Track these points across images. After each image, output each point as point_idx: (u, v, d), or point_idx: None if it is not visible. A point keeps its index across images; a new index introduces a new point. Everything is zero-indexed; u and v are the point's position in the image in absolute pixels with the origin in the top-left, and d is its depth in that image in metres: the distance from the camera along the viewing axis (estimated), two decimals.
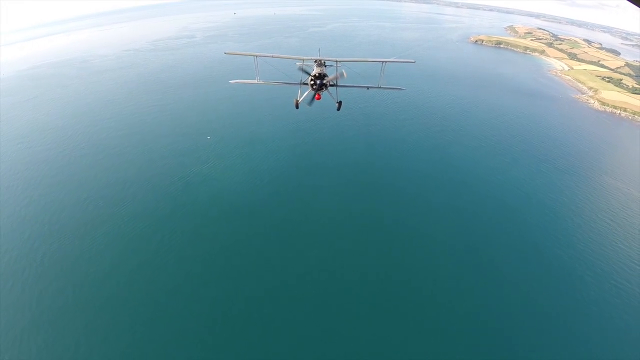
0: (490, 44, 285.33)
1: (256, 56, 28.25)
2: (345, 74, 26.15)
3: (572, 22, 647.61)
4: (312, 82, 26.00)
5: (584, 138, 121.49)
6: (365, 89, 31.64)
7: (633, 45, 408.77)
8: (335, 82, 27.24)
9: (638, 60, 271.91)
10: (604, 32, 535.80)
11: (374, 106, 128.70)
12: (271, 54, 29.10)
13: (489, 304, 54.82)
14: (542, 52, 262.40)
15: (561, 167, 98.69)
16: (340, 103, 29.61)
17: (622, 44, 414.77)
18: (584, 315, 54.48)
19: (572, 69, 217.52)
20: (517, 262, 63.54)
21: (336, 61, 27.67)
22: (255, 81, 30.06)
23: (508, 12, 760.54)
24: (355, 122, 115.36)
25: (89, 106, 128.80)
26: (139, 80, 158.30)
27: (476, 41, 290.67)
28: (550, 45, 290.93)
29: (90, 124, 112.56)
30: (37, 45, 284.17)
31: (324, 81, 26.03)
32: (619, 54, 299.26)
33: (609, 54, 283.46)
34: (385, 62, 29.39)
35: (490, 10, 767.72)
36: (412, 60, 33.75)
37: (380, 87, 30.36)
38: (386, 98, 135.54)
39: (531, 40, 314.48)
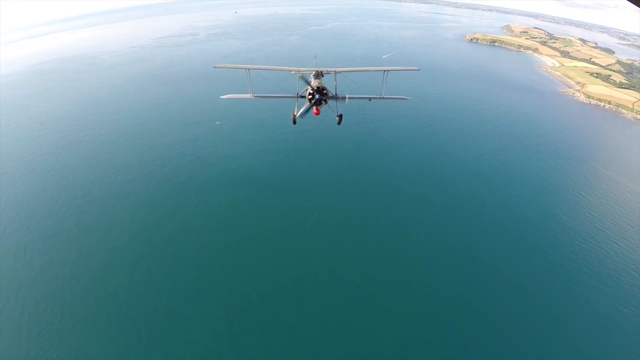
0: (485, 42, 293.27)
1: (248, 69, 26.76)
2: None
3: (571, 23, 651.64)
4: (310, 96, 24.67)
5: (567, 127, 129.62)
6: (367, 100, 30.00)
7: (629, 45, 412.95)
8: (335, 95, 26.17)
9: (631, 58, 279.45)
10: (602, 32, 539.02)
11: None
12: (265, 67, 28.02)
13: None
14: (535, 50, 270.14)
15: (545, 152, 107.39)
16: (340, 117, 28.05)
17: (618, 43, 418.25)
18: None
19: (563, 65, 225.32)
20: (505, 241, 68.12)
21: (335, 72, 25.80)
22: (249, 96, 28.15)
23: (507, 12, 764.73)
24: (352, 114, 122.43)
25: (103, 97, 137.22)
26: (147, 74, 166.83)
27: (471, 39, 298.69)
28: (544, 43, 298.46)
29: (106, 113, 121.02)
30: (42, 43, 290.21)
31: (323, 95, 24.54)
32: (613, 52, 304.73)
33: (602, 52, 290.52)
34: (388, 70, 27.60)
35: (490, 10, 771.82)
36: (417, 68, 31.76)
37: (382, 98, 28.65)
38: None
39: (526, 38, 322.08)
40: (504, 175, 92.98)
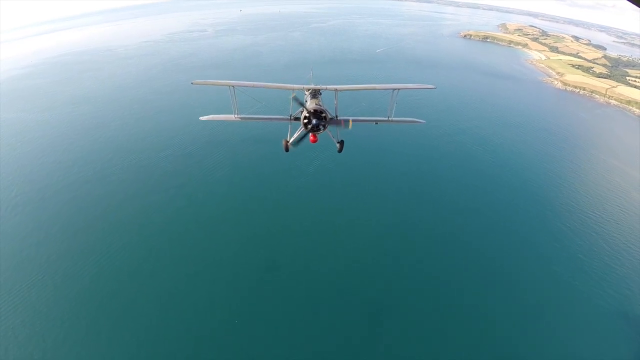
0: (477, 39, 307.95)
1: (233, 86, 23.51)
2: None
3: (570, 22, 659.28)
4: (306, 121, 21.10)
5: (541, 107, 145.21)
6: (374, 123, 25.59)
7: (625, 43, 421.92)
8: (335, 117, 22.45)
9: (620, 54, 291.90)
10: (601, 31, 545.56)
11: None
12: (252, 83, 24.18)
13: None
14: (525, 45, 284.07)
15: (517, 124, 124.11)
16: (342, 143, 24.38)
17: (614, 41, 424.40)
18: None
19: (548, 58, 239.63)
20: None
21: (335, 90, 22.18)
22: (233, 117, 24.87)
23: (507, 11, 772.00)
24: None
25: (126, 84, 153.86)
26: (165, 64, 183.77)
27: (465, 36, 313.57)
28: (535, 39, 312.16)
29: (133, 96, 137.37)
30: (54, 39, 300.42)
31: (322, 120, 20.89)
32: (605, 49, 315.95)
33: (591, 48, 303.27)
34: (398, 89, 23.61)
35: (490, 9, 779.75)
36: (433, 86, 27.18)
37: (391, 121, 24.46)
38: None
39: (518, 35, 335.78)
40: (481, 149, 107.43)
